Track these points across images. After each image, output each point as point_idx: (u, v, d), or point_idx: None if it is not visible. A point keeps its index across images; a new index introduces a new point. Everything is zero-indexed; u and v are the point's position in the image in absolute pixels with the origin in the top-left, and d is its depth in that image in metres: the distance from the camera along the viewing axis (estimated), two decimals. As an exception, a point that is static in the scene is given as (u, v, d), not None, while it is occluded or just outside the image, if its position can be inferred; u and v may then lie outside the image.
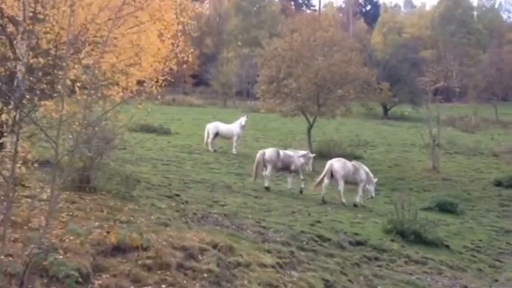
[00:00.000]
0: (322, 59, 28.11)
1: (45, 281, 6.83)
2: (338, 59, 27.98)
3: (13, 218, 7.91)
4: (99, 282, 7.33)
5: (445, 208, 18.63)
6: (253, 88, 41.55)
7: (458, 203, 19.53)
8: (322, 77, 27.47)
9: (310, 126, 28.42)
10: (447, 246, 14.14)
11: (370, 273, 11.12)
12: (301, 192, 18.34)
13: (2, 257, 6.53)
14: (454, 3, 76.61)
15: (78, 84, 8.78)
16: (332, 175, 17.87)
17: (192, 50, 11.21)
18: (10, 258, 6.92)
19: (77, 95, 8.68)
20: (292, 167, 18.84)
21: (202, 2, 63.14)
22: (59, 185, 7.18)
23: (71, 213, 9.61)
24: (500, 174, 25.43)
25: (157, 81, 10.40)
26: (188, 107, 50.43)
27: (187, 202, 13.58)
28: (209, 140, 25.36)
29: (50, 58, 9.01)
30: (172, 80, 12.15)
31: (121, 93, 9.95)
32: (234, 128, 25.94)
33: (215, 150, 25.22)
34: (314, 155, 20.04)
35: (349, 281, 10.41)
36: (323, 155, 22.87)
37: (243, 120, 25.98)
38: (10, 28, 10.21)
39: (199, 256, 8.81)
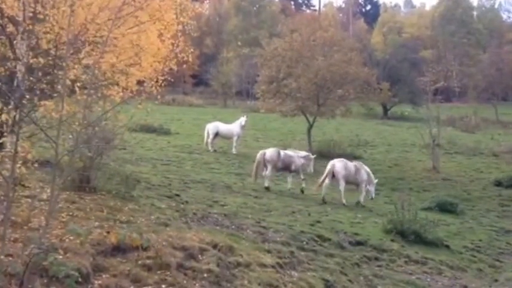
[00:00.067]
0: (322, 59, 28.12)
1: (45, 281, 6.84)
2: (338, 59, 27.98)
3: (13, 218, 7.91)
4: (99, 282, 7.34)
5: (445, 208, 18.63)
6: (253, 88, 41.55)
7: (458, 203, 19.54)
8: (322, 77, 27.48)
9: (310, 126, 28.42)
10: (447, 246, 14.15)
11: (370, 273, 11.13)
12: (302, 192, 18.33)
13: (2, 257, 6.53)
14: (454, 3, 76.59)
15: (78, 84, 8.78)
16: (333, 175, 17.88)
17: (192, 50, 11.20)
18: (10, 258, 6.92)
19: (77, 95, 8.67)
20: (293, 167, 18.84)
21: (202, 2, 63.16)
22: (59, 185, 7.18)
23: (71, 213, 9.62)
24: (500, 174, 25.43)
25: (157, 81, 10.40)
26: (188, 107, 50.42)
27: (187, 202, 13.58)
28: (209, 140, 25.36)
29: (50, 58, 9.01)
30: (172, 80, 12.15)
31: (121, 93, 9.94)
32: (234, 128, 25.94)
33: (215, 150, 25.21)
34: (315, 155, 20.04)
35: (349, 281, 10.42)
36: (323, 155, 22.87)
37: (243, 120, 25.97)
38: (10, 28, 10.21)
39: (199, 256, 8.81)
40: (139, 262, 8.03)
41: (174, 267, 8.13)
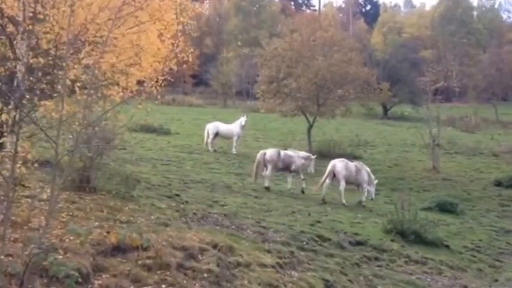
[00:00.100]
0: (322, 59, 28.12)
1: (45, 281, 6.84)
2: (338, 59, 27.98)
3: (13, 218, 7.92)
4: (99, 282, 7.34)
5: (445, 208, 18.63)
6: (253, 88, 41.54)
7: (458, 203, 19.53)
8: (322, 77, 27.48)
9: (310, 126, 28.42)
10: (447, 246, 14.15)
11: (370, 273, 11.13)
12: (302, 192, 18.33)
13: (2, 257, 6.53)
14: (454, 3, 76.58)
15: (78, 84, 8.78)
16: (334, 175, 17.89)
17: (192, 50, 11.20)
18: (10, 258, 6.92)
19: (77, 95, 8.67)
20: (293, 167, 18.83)
21: (202, 2, 63.17)
22: (59, 185, 7.18)
23: (71, 213, 9.62)
24: (500, 174, 25.42)
25: (157, 81, 10.40)
26: (188, 107, 50.42)
27: (187, 202, 13.58)
28: (209, 140, 25.36)
29: (50, 58, 9.01)
30: (172, 80, 12.15)
31: (121, 93, 9.94)
32: (234, 128, 25.94)
33: (215, 150, 25.21)
34: (315, 156, 20.05)
35: (349, 281, 10.42)
36: (323, 155, 22.87)
37: (243, 120, 25.97)
38: (10, 28, 10.21)
39: (199, 256, 8.81)
40: (139, 262, 8.03)
41: (174, 267, 8.14)
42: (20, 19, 9.34)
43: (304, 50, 28.56)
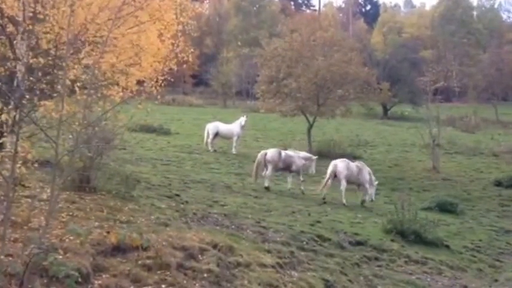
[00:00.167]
0: (322, 59, 28.10)
1: (45, 281, 6.84)
2: (338, 59, 27.97)
3: (13, 218, 7.92)
4: (99, 282, 7.34)
5: (445, 208, 18.63)
6: (253, 88, 41.51)
7: (458, 203, 19.53)
8: (322, 77, 27.47)
9: (310, 126, 28.42)
10: (447, 246, 14.15)
11: (370, 273, 11.13)
12: (302, 193, 18.33)
13: (2, 257, 6.53)
14: (454, 3, 76.59)
15: (78, 84, 8.78)
16: (335, 175, 17.89)
17: (192, 50, 11.19)
18: (10, 258, 6.92)
19: (76, 95, 8.68)
20: (294, 168, 18.82)
21: (202, 2, 63.13)
22: (59, 185, 7.18)
23: (71, 213, 9.62)
24: (500, 174, 25.43)
25: (157, 81, 10.39)
26: (188, 107, 50.42)
27: (187, 202, 13.58)
28: (209, 140, 25.36)
29: (50, 58, 9.01)
30: (172, 80, 12.14)
31: (121, 93, 9.93)
32: (234, 128, 25.94)
33: (215, 150, 25.21)
34: (317, 157, 20.05)
35: (349, 281, 10.42)
36: (323, 155, 22.86)
37: (242, 120, 25.97)
38: (10, 28, 10.21)
39: (199, 256, 8.81)
40: (139, 262, 8.03)
41: (174, 267, 8.14)
42: (20, 19, 9.35)
43: (304, 50, 28.54)
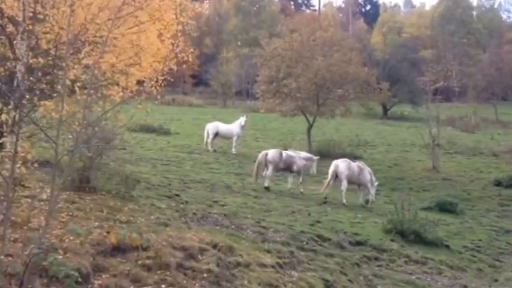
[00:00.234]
0: (321, 59, 28.11)
1: (45, 281, 6.84)
2: (338, 59, 27.99)
3: (13, 218, 7.92)
4: (99, 282, 7.34)
5: (445, 208, 18.63)
6: (253, 88, 41.51)
7: (458, 203, 19.53)
8: (322, 77, 27.48)
9: (310, 126, 28.42)
10: (447, 246, 14.15)
11: (370, 273, 11.13)
12: (301, 193, 18.33)
13: (2, 257, 6.53)
14: (453, 3, 76.57)
15: (78, 84, 8.78)
16: (337, 176, 17.89)
17: (191, 50, 11.18)
18: (10, 258, 6.92)
19: (76, 95, 8.68)
20: (294, 168, 18.80)
21: (202, 2, 63.11)
22: (59, 185, 7.18)
23: (70, 213, 9.62)
24: (500, 174, 25.42)
25: (157, 81, 10.40)
26: (188, 107, 50.41)
27: (187, 202, 13.59)
28: (209, 140, 25.36)
29: (50, 58, 9.01)
30: (172, 80, 12.14)
31: (121, 93, 9.94)
32: (233, 128, 25.94)
33: (215, 150, 25.21)
34: (318, 157, 20.05)
35: (349, 281, 10.42)
36: (323, 155, 22.87)
37: (242, 120, 25.97)
38: (10, 28, 10.21)
39: (199, 256, 8.82)
40: (139, 262, 8.03)
41: (173, 267, 8.14)
42: (20, 19, 9.34)
43: (304, 50, 28.56)
